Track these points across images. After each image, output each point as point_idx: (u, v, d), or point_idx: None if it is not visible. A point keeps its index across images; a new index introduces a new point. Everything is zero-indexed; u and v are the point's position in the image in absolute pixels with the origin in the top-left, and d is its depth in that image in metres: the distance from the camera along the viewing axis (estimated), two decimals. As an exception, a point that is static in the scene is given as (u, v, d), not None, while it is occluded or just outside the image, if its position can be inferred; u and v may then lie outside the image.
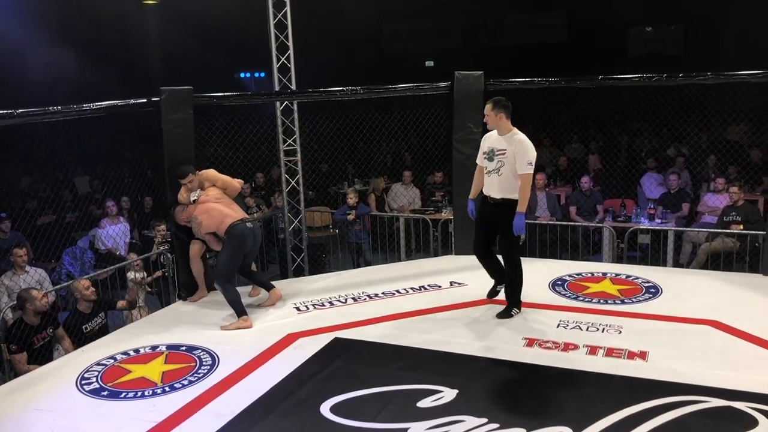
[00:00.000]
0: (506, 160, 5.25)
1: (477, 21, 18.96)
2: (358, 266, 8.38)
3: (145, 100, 5.84)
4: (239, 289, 5.80)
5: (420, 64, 18.44)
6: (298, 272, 8.01)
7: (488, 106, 5.33)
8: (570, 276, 6.40)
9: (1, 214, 8.16)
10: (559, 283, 6.24)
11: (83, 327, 5.79)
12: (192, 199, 5.80)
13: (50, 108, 5.16)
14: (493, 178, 5.35)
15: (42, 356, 5.53)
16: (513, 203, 5.24)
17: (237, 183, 6.05)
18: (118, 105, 5.68)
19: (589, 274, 6.46)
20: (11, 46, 14.07)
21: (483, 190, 5.50)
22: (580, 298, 5.84)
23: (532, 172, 5.21)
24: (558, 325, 5.26)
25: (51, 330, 5.62)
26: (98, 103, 5.48)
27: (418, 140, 11.52)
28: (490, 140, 5.45)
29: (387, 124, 9.15)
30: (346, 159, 11.94)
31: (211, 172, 5.94)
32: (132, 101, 5.78)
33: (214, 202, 5.76)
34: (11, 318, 6.14)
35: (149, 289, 7.24)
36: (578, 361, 4.64)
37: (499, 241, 5.50)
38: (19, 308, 5.53)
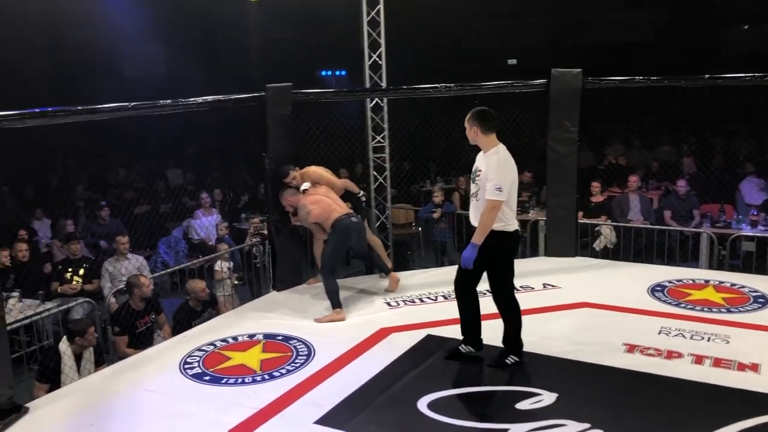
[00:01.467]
0: (482, 183, 4.45)
1: (561, 19, 18.60)
2: (442, 265, 8.34)
3: (248, 96, 5.98)
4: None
5: (502, 62, 18.22)
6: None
7: (466, 118, 4.60)
8: (670, 282, 6.17)
9: (101, 202, 8.56)
10: (659, 288, 6.02)
11: (192, 323, 5.97)
12: (302, 189, 5.96)
13: (160, 101, 5.36)
14: (472, 203, 4.59)
15: (143, 341, 5.76)
16: (494, 234, 4.41)
17: (340, 183, 6.26)
18: (222, 100, 5.83)
19: (690, 281, 6.21)
20: (111, 43, 14.75)
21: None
22: (682, 305, 5.62)
23: (500, 199, 4.30)
24: (660, 332, 5.08)
25: (153, 315, 5.84)
26: (204, 98, 5.64)
27: (503, 139, 11.36)
28: (477, 159, 4.69)
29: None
30: (428, 157, 11.92)
31: (315, 170, 6.08)
32: (236, 96, 5.92)
33: (323, 195, 5.92)
34: (115, 302, 6.43)
35: (237, 282, 7.41)
36: (683, 370, 4.47)
37: (490, 282, 4.61)
38: (127, 293, 5.77)
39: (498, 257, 4.51)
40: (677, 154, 11.59)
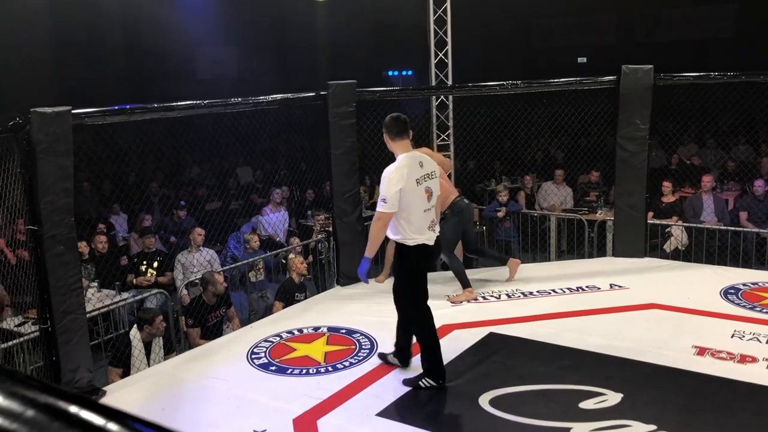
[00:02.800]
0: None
1: (633, 16, 18.09)
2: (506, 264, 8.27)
3: (313, 94, 6.11)
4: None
5: (571, 60, 17.86)
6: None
7: None
8: (744, 285, 5.95)
9: (181, 202, 8.89)
10: (732, 291, 5.82)
11: (295, 295, 6.28)
12: None
13: (231, 99, 5.54)
14: None
15: (213, 333, 5.95)
16: (396, 246, 4.32)
17: (448, 163, 6.46)
18: (290, 98, 5.98)
19: (766, 284, 5.97)
20: (183, 45, 15.25)
21: None
22: (757, 309, 5.41)
23: (383, 210, 4.12)
24: (733, 336, 4.91)
25: (224, 309, 6.04)
26: (273, 96, 5.80)
27: (569, 138, 11.18)
28: None
29: (537, 121, 8.94)
30: (493, 155, 11.83)
31: (427, 151, 6.17)
32: (302, 95, 6.06)
33: (440, 178, 5.99)
34: (187, 294, 6.67)
35: (306, 274, 7.55)
36: (758, 375, 4.32)
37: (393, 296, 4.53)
38: (201, 288, 6.00)
39: (398, 271, 4.41)
40: (755, 153, 11.12)
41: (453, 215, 5.98)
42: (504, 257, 6.44)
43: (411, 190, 4.18)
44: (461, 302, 5.80)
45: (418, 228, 4.24)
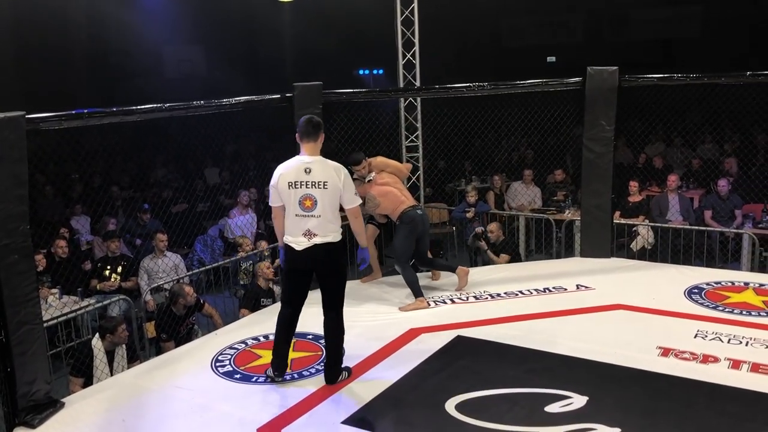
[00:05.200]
0: None
1: (601, 15, 18.27)
2: (476, 265, 8.27)
3: (278, 96, 6.03)
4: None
5: (541, 60, 17.98)
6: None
7: None
8: (708, 284, 6.02)
9: (144, 205, 8.75)
10: (696, 291, 5.89)
11: (261, 301, 6.28)
12: (367, 179, 6.05)
13: (194, 102, 5.45)
14: None
15: (184, 341, 5.85)
16: None
17: (405, 168, 6.40)
18: (254, 100, 5.89)
19: (729, 283, 6.05)
20: (150, 44, 15.03)
21: None
22: (720, 308, 5.48)
23: (272, 205, 4.46)
24: (696, 336, 4.96)
25: (194, 318, 5.96)
26: (236, 98, 5.71)
27: (538, 138, 11.24)
28: None
29: (506, 122, 8.97)
30: (463, 156, 11.86)
31: (381, 159, 6.17)
32: (267, 97, 5.98)
33: (392, 186, 6.03)
34: (152, 300, 6.56)
35: (274, 279, 7.48)
36: (720, 375, 4.37)
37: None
38: (171, 302, 5.90)
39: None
40: (719, 152, 11.29)
41: (402, 225, 5.89)
42: (453, 266, 6.28)
43: (282, 191, 4.37)
44: (412, 310, 5.73)
45: (289, 229, 4.40)
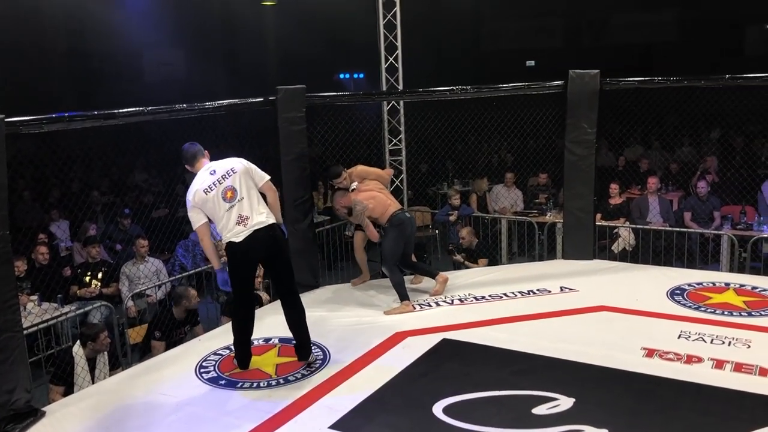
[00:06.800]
0: None
1: (580, 20, 18.46)
2: (459, 268, 8.29)
3: (261, 99, 6.00)
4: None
5: (520, 64, 18.11)
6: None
7: None
8: (690, 285, 6.08)
9: (125, 210, 8.64)
10: (678, 292, 5.94)
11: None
12: (351, 188, 6.04)
13: (176, 106, 5.40)
14: None
15: (172, 347, 5.77)
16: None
17: (386, 174, 6.41)
18: (237, 104, 5.86)
19: (711, 284, 6.12)
20: (130, 48, 14.89)
21: None
22: (702, 309, 5.54)
23: (196, 226, 4.62)
24: (679, 336, 5.00)
25: (189, 327, 5.89)
26: (219, 102, 5.67)
27: (519, 141, 11.31)
28: None
29: (488, 125, 9.03)
30: (446, 158, 11.89)
31: (361, 168, 6.15)
32: (250, 100, 5.95)
33: (378, 191, 6.03)
34: (133, 305, 6.47)
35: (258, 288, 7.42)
36: (703, 375, 4.40)
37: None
38: (174, 303, 5.83)
39: None
40: (697, 155, 11.44)
41: (392, 228, 5.91)
42: (434, 272, 6.30)
43: (202, 203, 4.50)
44: (397, 314, 5.71)
45: (225, 228, 4.51)
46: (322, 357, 4.93)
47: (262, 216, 4.54)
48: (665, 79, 6.53)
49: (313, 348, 4.83)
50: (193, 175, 4.67)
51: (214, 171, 4.56)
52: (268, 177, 4.69)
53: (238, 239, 4.49)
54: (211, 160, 4.74)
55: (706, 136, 12.44)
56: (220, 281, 4.74)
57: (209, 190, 4.50)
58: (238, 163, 4.61)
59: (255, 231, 4.50)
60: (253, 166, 4.66)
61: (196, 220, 4.55)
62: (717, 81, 6.43)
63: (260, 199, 4.61)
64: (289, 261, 4.75)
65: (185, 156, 4.70)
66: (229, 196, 4.49)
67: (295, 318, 4.73)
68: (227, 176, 4.53)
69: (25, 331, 4.48)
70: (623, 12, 17.83)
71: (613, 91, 6.76)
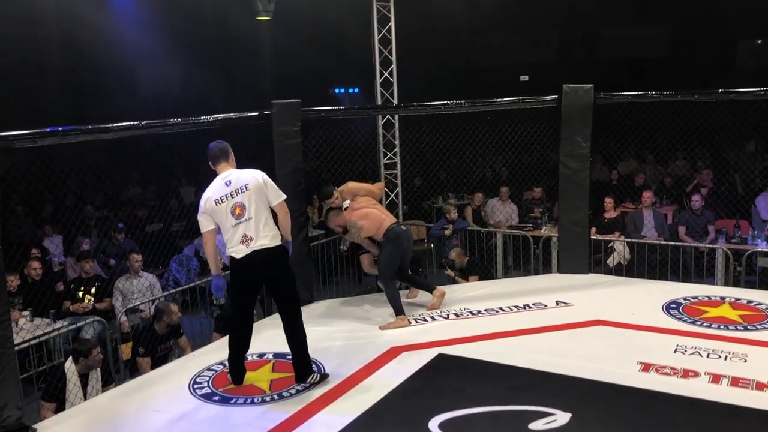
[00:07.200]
0: None
1: (573, 35, 18.57)
2: (454, 282, 8.27)
3: (256, 113, 6.00)
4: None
5: (514, 78, 18.19)
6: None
7: None
8: (685, 299, 6.08)
9: (119, 224, 8.60)
10: (674, 306, 5.93)
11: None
12: (343, 207, 6.00)
13: (171, 120, 5.39)
14: None
15: (160, 364, 5.72)
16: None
17: (377, 189, 6.37)
18: (232, 118, 5.85)
19: (706, 298, 6.12)
20: (125, 62, 14.90)
21: None
22: (698, 323, 5.53)
23: (203, 231, 4.63)
24: (675, 350, 4.99)
25: (173, 341, 5.85)
26: (214, 116, 5.66)
27: (513, 155, 11.35)
28: None
29: (483, 139, 9.04)
30: (440, 172, 11.91)
31: (352, 185, 6.13)
32: (245, 114, 5.94)
33: (371, 208, 5.99)
34: (126, 321, 6.43)
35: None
36: (700, 390, 4.39)
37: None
38: (155, 319, 5.79)
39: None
40: (691, 169, 11.48)
41: (388, 242, 5.86)
42: (432, 286, 6.29)
43: (213, 211, 4.51)
44: (392, 329, 5.68)
45: (229, 241, 4.52)
46: (316, 371, 4.88)
47: (266, 239, 4.50)
48: (659, 93, 6.58)
49: (313, 367, 4.77)
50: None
51: (230, 182, 4.52)
52: (283, 197, 4.63)
53: (239, 256, 4.50)
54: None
55: (700, 151, 12.50)
56: (214, 287, 4.72)
57: (220, 201, 4.49)
58: (253, 179, 4.54)
59: (255, 251, 4.48)
60: (271, 184, 4.60)
61: (204, 225, 4.56)
62: (710, 95, 6.47)
63: (268, 220, 4.55)
64: (291, 283, 4.67)
65: (208, 154, 4.67)
66: (237, 213, 4.47)
67: (296, 341, 4.67)
68: (240, 191, 4.49)
69: (16, 347, 4.44)
70: (616, 27, 17.95)
71: (606, 105, 6.79)
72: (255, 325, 6.03)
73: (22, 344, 5.16)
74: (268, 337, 5.59)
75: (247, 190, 4.49)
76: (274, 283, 4.65)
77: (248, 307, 4.72)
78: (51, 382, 4.95)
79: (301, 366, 4.69)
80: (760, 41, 17.44)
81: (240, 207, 4.47)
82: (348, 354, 5.20)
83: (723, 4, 15.01)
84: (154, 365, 5.61)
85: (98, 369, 5.12)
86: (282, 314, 4.71)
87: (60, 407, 4.86)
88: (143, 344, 5.69)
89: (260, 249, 4.48)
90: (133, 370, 5.78)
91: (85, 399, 4.95)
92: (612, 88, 6.87)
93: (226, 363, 5.11)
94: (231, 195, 4.48)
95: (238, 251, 4.49)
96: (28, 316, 6.20)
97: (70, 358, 5.07)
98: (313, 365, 4.80)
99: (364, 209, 5.96)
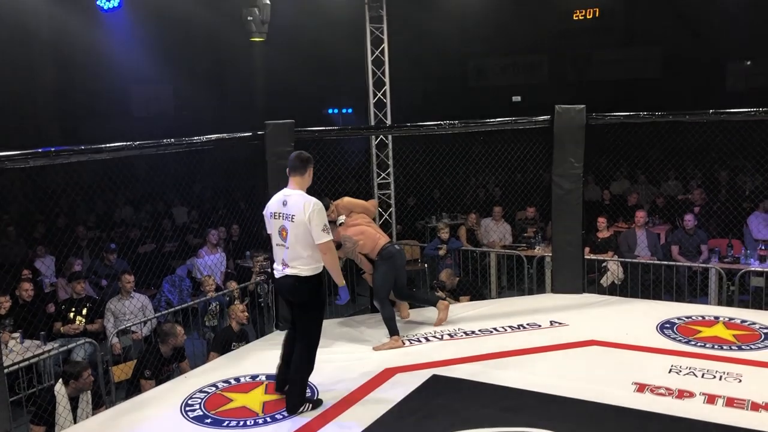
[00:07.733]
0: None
1: (565, 57, 18.76)
2: (448, 302, 8.25)
3: (250, 134, 6.00)
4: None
5: (506, 99, 18.32)
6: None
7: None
8: (679, 319, 6.07)
9: (111, 245, 8.56)
10: (668, 325, 5.93)
11: (232, 344, 6.07)
12: (339, 222, 5.97)
13: (164, 140, 5.38)
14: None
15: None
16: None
17: (372, 206, 6.33)
18: (226, 138, 5.86)
19: (700, 318, 6.11)
20: (119, 83, 14.92)
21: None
22: (692, 343, 5.52)
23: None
24: (670, 371, 4.97)
25: (176, 364, 5.80)
26: (207, 136, 5.66)
27: (506, 175, 11.38)
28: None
29: (476, 159, 9.09)
30: (433, 186, 11.92)
31: (347, 200, 6.12)
32: (238, 135, 5.95)
33: (366, 225, 5.99)
34: (118, 342, 6.37)
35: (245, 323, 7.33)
36: (695, 411, 4.37)
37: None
38: (161, 341, 5.74)
39: None
40: (683, 189, 11.55)
41: (383, 261, 5.86)
42: (434, 299, 6.30)
43: (268, 221, 4.65)
44: (386, 349, 5.65)
45: (273, 256, 4.67)
46: (309, 393, 4.84)
47: (295, 270, 4.47)
48: (650, 113, 6.62)
49: (307, 393, 4.72)
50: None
51: (286, 203, 4.49)
52: (326, 239, 4.41)
53: (276, 275, 4.66)
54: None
55: (692, 170, 12.58)
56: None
57: (274, 216, 4.57)
58: (300, 212, 4.39)
59: (286, 276, 4.53)
60: (316, 222, 4.38)
61: (267, 227, 4.73)
62: (701, 116, 6.51)
63: (303, 252, 4.43)
64: (309, 315, 4.59)
65: (289, 161, 4.63)
66: (283, 236, 4.51)
67: (292, 367, 4.67)
68: (288, 218, 4.45)
69: (6, 370, 4.38)
70: (607, 48, 18.14)
71: (598, 125, 6.83)
72: (247, 346, 6.08)
73: (12, 366, 5.09)
74: (261, 358, 5.57)
75: (292, 221, 4.44)
76: (295, 307, 4.68)
77: (288, 318, 4.94)
78: (41, 405, 4.89)
79: (288, 396, 4.65)
80: (749, 62, 17.64)
81: (285, 231, 4.48)
82: (342, 375, 5.16)
83: (712, 26, 15.20)
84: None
85: (89, 392, 5.06)
86: (296, 340, 4.69)
87: (50, 430, 4.79)
88: (149, 367, 5.62)
89: (291, 275, 4.49)
90: (128, 392, 5.70)
91: (75, 422, 4.88)
92: (604, 108, 6.92)
93: (219, 384, 5.09)
94: (282, 216, 4.50)
95: (276, 270, 4.64)
96: (18, 338, 6.13)
97: (60, 380, 5.01)
98: (308, 390, 4.74)
99: (360, 226, 5.96)
